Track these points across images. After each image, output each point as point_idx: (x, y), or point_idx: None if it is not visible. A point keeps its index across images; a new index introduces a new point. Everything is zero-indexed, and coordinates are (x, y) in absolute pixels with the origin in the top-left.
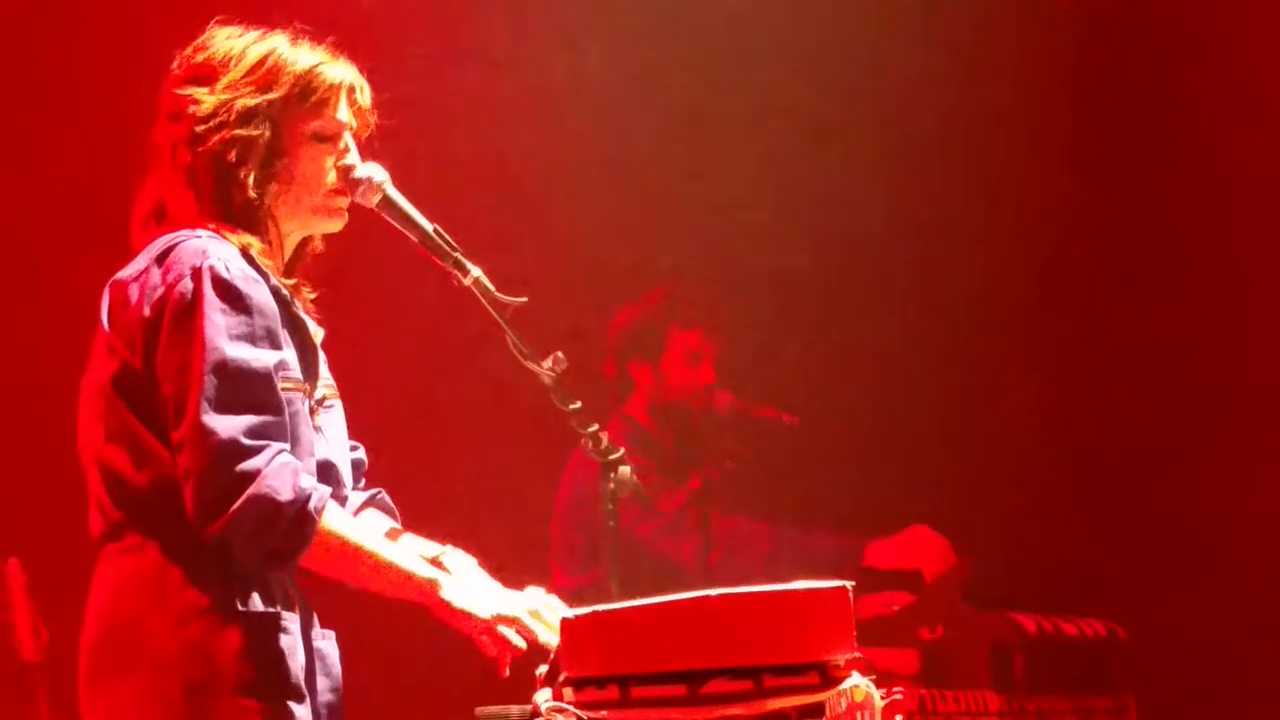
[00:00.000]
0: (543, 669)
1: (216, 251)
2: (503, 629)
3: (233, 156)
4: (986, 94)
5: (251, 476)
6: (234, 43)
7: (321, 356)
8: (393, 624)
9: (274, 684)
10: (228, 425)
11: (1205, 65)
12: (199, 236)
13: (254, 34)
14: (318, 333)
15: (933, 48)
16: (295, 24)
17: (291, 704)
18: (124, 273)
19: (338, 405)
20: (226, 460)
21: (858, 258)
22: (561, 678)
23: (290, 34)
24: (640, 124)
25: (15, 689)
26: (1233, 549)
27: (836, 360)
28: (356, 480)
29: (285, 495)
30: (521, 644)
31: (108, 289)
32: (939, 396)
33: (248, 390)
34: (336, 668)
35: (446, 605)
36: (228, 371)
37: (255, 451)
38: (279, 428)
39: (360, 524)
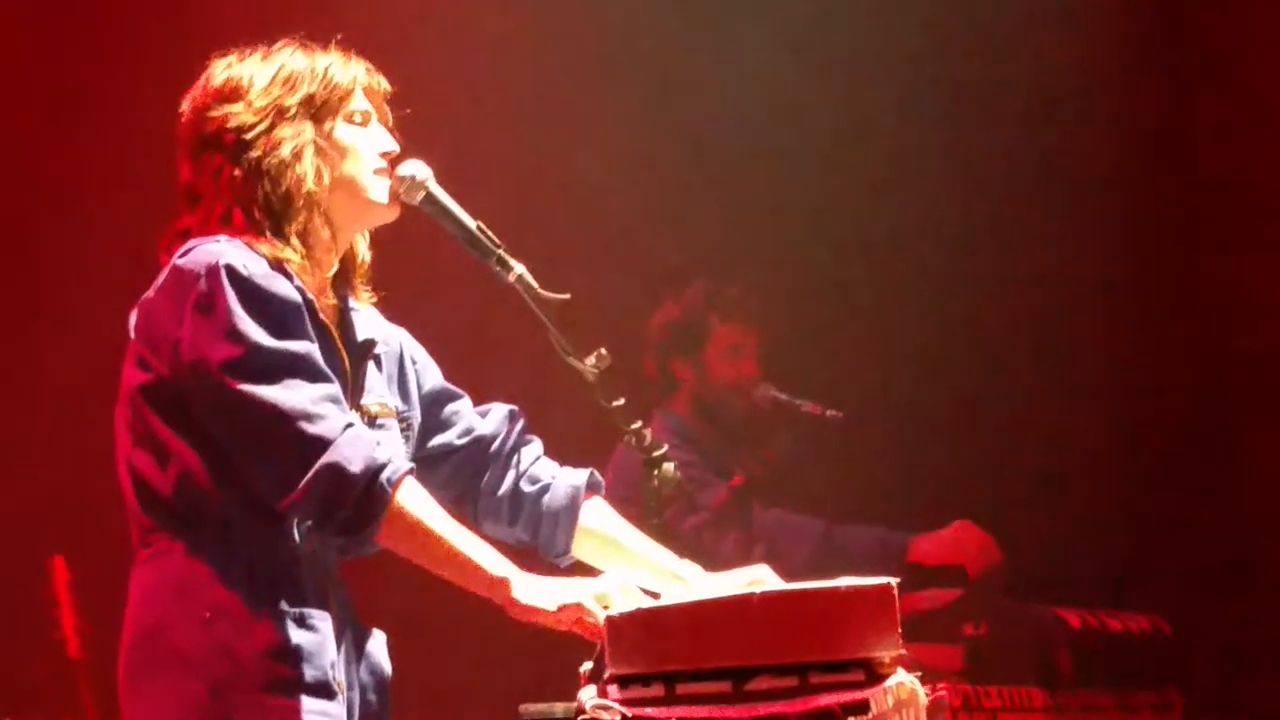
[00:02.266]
0: (587, 666)
1: (232, 253)
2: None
3: (286, 153)
4: (1028, 78)
5: (324, 445)
6: (245, 64)
7: (380, 374)
8: (439, 621)
9: (300, 682)
10: (291, 397)
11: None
12: (216, 241)
13: (259, 51)
14: (368, 339)
15: (977, 40)
16: (299, 35)
17: (319, 701)
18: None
19: (393, 425)
20: (298, 429)
21: (901, 252)
22: (606, 675)
23: (295, 43)
24: (679, 120)
25: (61, 685)
26: (1278, 541)
27: (881, 354)
28: (515, 432)
29: (357, 466)
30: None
31: (137, 304)
32: (984, 391)
33: (298, 367)
34: (382, 667)
35: (516, 602)
36: (270, 354)
37: (324, 418)
38: (341, 399)
39: (439, 508)
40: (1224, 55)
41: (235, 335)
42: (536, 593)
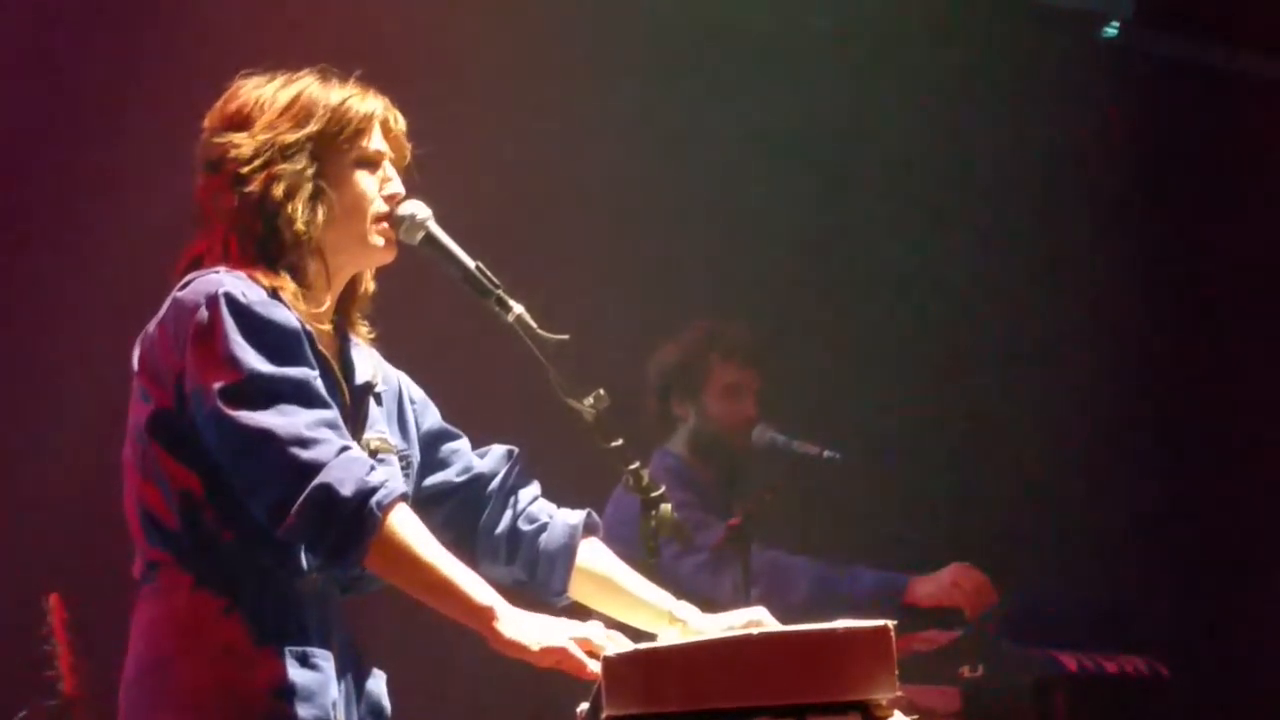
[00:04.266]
0: (584, 707)
1: (231, 282)
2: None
3: (279, 192)
4: (1023, 128)
5: (318, 468)
6: (263, 89)
7: (380, 409)
8: (437, 661)
9: None
10: (287, 423)
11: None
12: (216, 272)
13: (281, 78)
14: (369, 375)
15: (978, 92)
16: (321, 65)
17: None
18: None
19: (393, 461)
20: (291, 455)
21: (900, 295)
22: (603, 716)
23: (317, 73)
24: (681, 160)
25: None
26: (1275, 584)
27: (880, 396)
28: (513, 472)
29: (347, 489)
30: (585, 660)
31: (139, 337)
32: (982, 433)
33: (295, 392)
34: (382, 706)
35: (499, 635)
36: (267, 380)
37: (320, 443)
38: (338, 424)
39: (429, 535)
40: None
41: (233, 362)
42: (520, 629)
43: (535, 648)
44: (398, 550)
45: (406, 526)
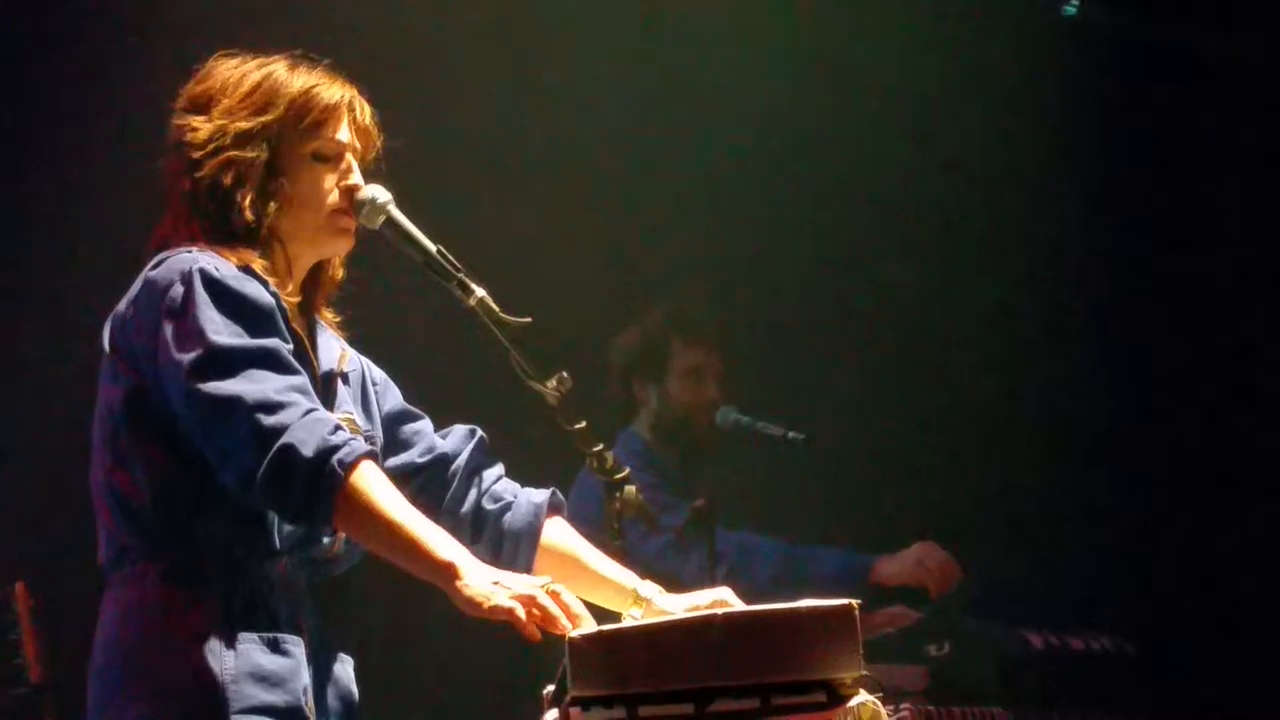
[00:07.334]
0: (549, 689)
1: (206, 260)
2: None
3: (229, 180)
4: (985, 110)
5: (280, 431)
6: (232, 71)
7: (348, 389)
8: (403, 646)
9: (273, 707)
10: (255, 390)
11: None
12: (189, 251)
13: (254, 61)
14: (336, 357)
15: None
16: (303, 49)
17: None
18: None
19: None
20: (257, 420)
21: (862, 273)
22: (568, 698)
23: (291, 58)
24: (643, 141)
25: (23, 712)
26: (1242, 561)
27: (842, 376)
28: (476, 451)
29: (309, 449)
30: (556, 612)
31: (110, 317)
32: (946, 411)
33: (265, 360)
34: (350, 692)
35: (458, 591)
36: (238, 351)
37: (285, 406)
38: (308, 389)
39: (395, 492)
40: None
41: (205, 335)
42: (477, 586)
43: (486, 605)
44: (361, 509)
45: (371, 484)
